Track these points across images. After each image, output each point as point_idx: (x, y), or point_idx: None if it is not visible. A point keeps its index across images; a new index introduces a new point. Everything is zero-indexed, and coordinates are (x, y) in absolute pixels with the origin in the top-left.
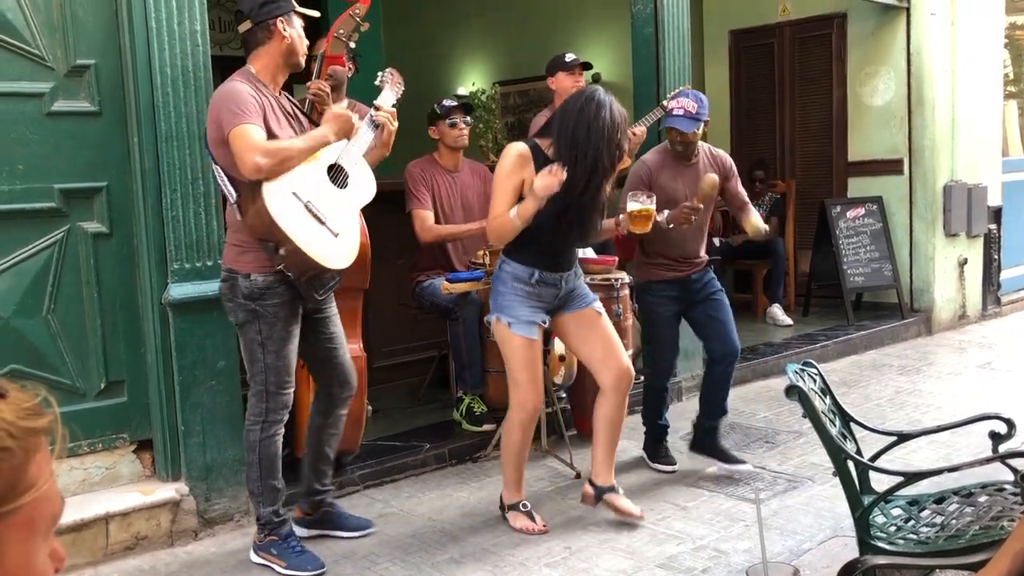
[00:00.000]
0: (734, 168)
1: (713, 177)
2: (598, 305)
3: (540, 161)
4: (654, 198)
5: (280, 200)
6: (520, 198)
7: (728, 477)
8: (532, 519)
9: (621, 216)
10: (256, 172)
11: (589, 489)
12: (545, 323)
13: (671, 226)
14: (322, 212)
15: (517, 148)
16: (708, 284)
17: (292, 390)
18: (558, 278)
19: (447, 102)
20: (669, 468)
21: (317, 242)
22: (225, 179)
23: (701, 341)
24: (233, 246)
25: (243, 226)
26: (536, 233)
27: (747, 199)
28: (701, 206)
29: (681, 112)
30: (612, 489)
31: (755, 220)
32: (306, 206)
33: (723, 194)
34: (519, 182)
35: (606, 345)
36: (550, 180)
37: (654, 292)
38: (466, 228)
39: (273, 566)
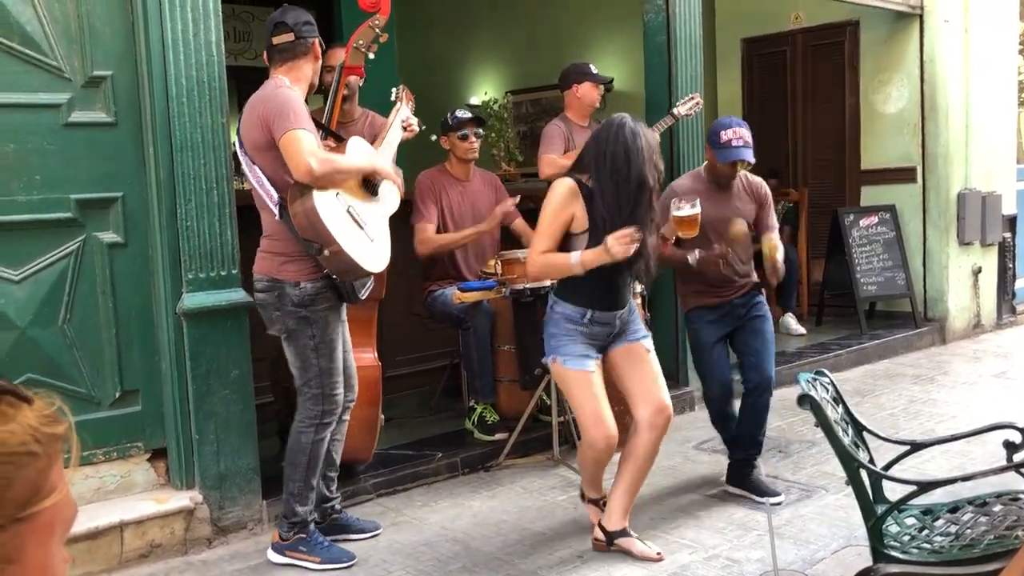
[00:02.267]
0: (769, 196)
1: (741, 225)
2: (648, 342)
3: (585, 195)
4: (698, 201)
5: (328, 204)
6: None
7: None
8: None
9: (664, 229)
10: (308, 176)
11: (599, 535)
12: (599, 359)
13: (702, 266)
14: (361, 218)
15: (566, 183)
16: (753, 308)
17: (342, 389)
18: (612, 317)
19: (460, 113)
20: (773, 500)
21: (358, 245)
22: (265, 182)
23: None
24: (275, 255)
25: (283, 227)
26: (599, 275)
27: (774, 225)
28: (730, 251)
29: (742, 143)
30: (624, 533)
31: (772, 244)
32: (348, 211)
33: (755, 221)
34: (569, 217)
35: (648, 380)
36: (627, 243)
37: (694, 320)
38: (461, 235)
39: (304, 564)
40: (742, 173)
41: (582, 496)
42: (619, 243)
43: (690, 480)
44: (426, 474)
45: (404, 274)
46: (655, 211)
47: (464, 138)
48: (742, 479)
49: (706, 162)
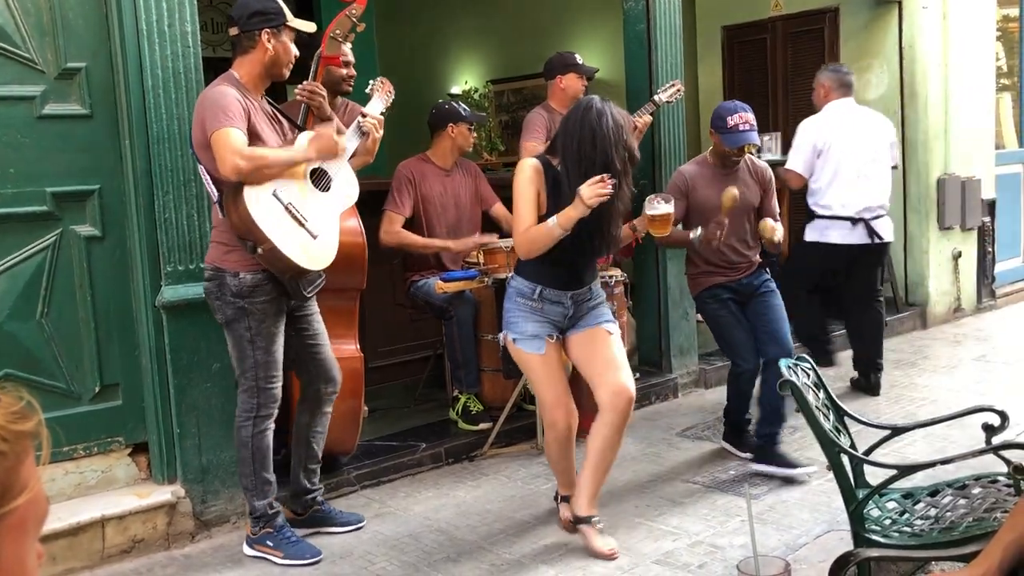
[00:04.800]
0: (773, 181)
1: (733, 191)
2: (611, 327)
3: (550, 177)
4: (672, 201)
5: (260, 201)
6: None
7: (723, 474)
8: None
9: (636, 221)
10: (235, 174)
11: (567, 514)
12: (553, 338)
13: (703, 243)
14: (302, 214)
15: (531, 162)
16: (763, 284)
17: (280, 384)
18: (563, 295)
19: (467, 109)
20: (808, 470)
21: (294, 243)
22: (208, 179)
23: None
24: (219, 244)
25: (226, 224)
26: (553, 249)
27: (776, 212)
28: (726, 220)
29: (748, 127)
30: (588, 520)
31: (770, 226)
32: (287, 207)
33: (759, 206)
34: (536, 194)
35: (607, 363)
36: (600, 188)
37: (712, 298)
38: (429, 243)
39: (270, 557)
40: (748, 156)
41: (556, 497)
42: (592, 190)
43: (674, 467)
44: (410, 465)
45: (386, 264)
46: (624, 193)
47: (471, 130)
48: (772, 455)
49: (711, 147)
